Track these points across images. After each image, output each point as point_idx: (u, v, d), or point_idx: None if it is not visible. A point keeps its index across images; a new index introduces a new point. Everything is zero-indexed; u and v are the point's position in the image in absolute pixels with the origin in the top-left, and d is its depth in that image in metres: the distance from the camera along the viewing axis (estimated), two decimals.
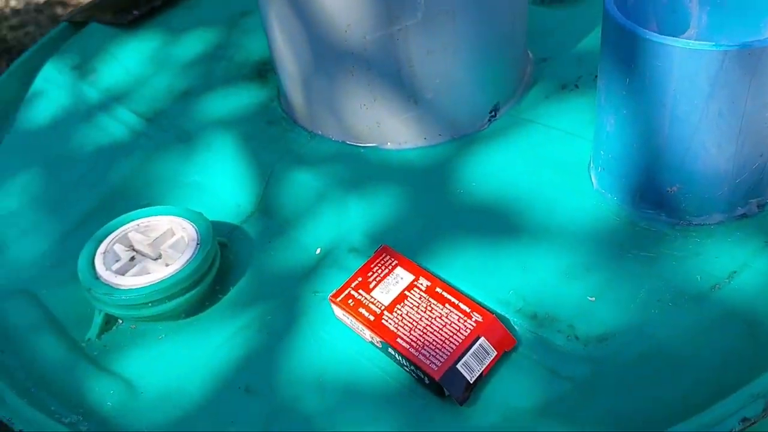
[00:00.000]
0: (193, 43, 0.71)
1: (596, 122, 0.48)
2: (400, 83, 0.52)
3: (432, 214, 0.49)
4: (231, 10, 0.76)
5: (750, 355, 0.39)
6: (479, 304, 0.40)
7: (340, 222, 0.51)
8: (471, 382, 0.37)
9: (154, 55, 0.69)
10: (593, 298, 0.41)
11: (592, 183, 0.49)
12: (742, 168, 0.42)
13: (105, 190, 0.57)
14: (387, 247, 0.44)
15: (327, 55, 0.52)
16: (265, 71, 0.66)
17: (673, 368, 0.38)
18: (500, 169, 0.52)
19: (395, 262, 0.43)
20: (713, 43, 0.37)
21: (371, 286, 0.42)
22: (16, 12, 2.34)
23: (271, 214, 0.54)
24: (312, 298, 0.45)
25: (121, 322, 0.48)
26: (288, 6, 0.50)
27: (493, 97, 0.56)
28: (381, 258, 0.43)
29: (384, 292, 0.41)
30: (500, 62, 0.55)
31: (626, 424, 0.36)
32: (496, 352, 0.38)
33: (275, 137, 0.59)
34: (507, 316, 0.40)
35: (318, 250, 0.50)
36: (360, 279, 0.42)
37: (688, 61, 0.38)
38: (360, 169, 0.54)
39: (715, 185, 0.42)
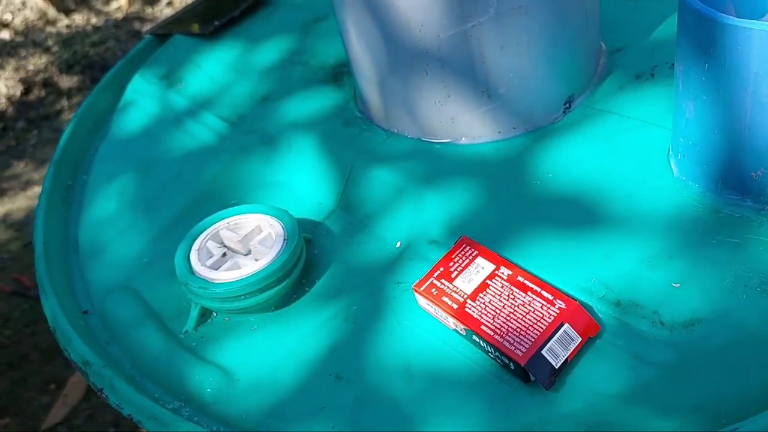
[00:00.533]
0: (271, 50, 0.74)
1: (675, 109, 0.47)
2: (473, 79, 0.53)
3: (509, 206, 0.50)
4: (305, 17, 0.78)
5: None
6: (562, 291, 0.41)
7: (419, 216, 0.52)
8: (556, 367, 0.38)
9: (235, 63, 0.73)
10: (677, 285, 0.41)
11: (673, 171, 0.49)
12: None
13: (195, 192, 0.61)
14: (467, 238, 0.45)
15: (402, 55, 0.53)
16: (340, 74, 0.69)
17: (760, 355, 0.37)
18: (576, 159, 0.52)
19: (476, 252, 0.44)
20: None
21: (453, 275, 0.43)
22: (96, 29, 2.46)
23: (352, 211, 0.56)
24: (395, 288, 0.47)
25: (215, 314, 0.51)
26: (364, 11, 0.52)
27: (566, 89, 0.56)
28: (462, 248, 0.44)
29: (466, 281, 0.42)
30: (573, 54, 0.55)
31: (712, 410, 0.36)
32: (580, 339, 0.39)
33: (353, 137, 0.61)
34: (590, 303, 0.41)
35: (398, 244, 0.52)
36: (442, 269, 0.44)
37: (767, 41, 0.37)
38: (436, 165, 0.56)
39: None
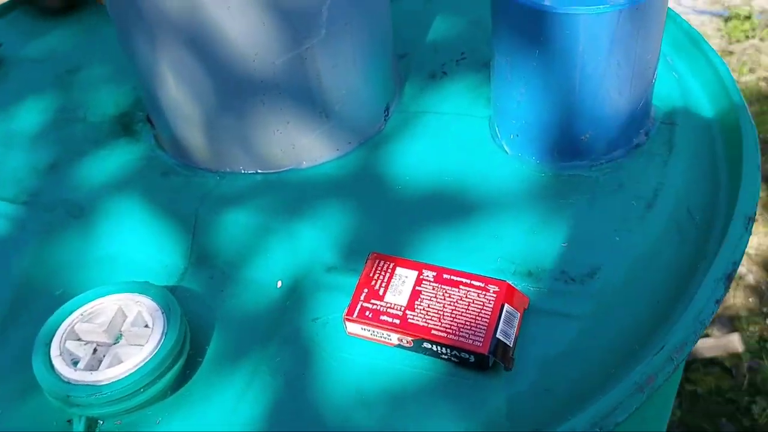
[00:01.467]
0: (32, 113, 0.64)
1: (498, 97, 0.53)
2: (311, 101, 0.53)
3: (385, 214, 0.51)
4: (55, 71, 0.69)
5: (686, 250, 0.47)
6: (486, 276, 0.43)
7: (295, 249, 0.50)
8: (511, 346, 0.40)
9: None
10: (566, 244, 0.46)
11: (506, 151, 0.55)
12: (636, 105, 0.50)
13: (9, 293, 0.50)
14: (376, 253, 0.45)
15: (235, 89, 0.51)
16: (129, 123, 0.62)
17: (648, 274, 0.45)
18: (420, 160, 0.55)
19: (392, 264, 0.44)
20: (610, 5, 0.44)
21: (381, 292, 0.43)
22: None
23: (208, 264, 0.52)
24: (313, 325, 0.45)
25: (102, 422, 0.43)
26: (186, 50, 0.48)
27: (384, 97, 0.59)
28: (377, 264, 0.44)
29: (396, 294, 0.43)
30: (386, 64, 0.58)
31: (640, 335, 0.42)
32: (519, 314, 0.42)
33: (180, 187, 0.56)
34: (508, 280, 0.44)
35: (279, 283, 0.49)
36: (366, 290, 0.43)
37: (592, 24, 0.44)
38: (286, 194, 0.54)
39: (619, 124, 0.50)
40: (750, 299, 1.76)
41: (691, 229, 0.49)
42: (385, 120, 0.60)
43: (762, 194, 1.96)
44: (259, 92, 0.51)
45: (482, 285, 0.42)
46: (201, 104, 0.52)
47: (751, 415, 1.52)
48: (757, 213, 1.93)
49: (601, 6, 0.44)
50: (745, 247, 0.46)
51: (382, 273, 0.44)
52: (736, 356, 1.59)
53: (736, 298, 1.76)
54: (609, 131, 0.51)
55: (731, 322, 1.70)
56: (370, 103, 0.57)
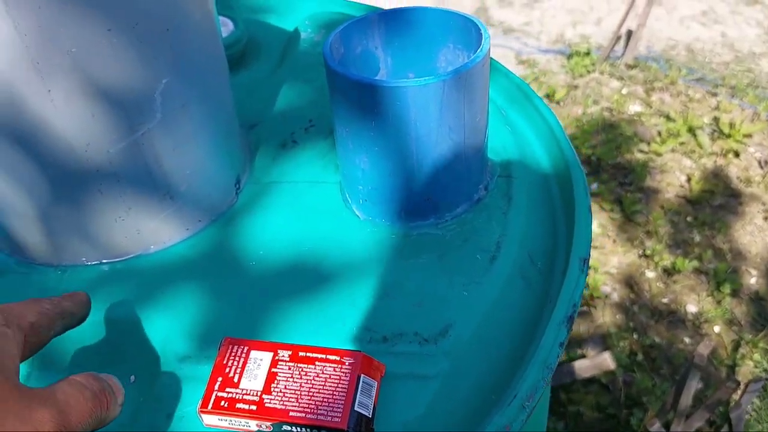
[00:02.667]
0: None
1: (345, 164, 0.54)
2: (152, 185, 0.52)
3: (239, 293, 0.50)
4: None
5: (532, 296, 0.50)
6: (342, 349, 0.43)
7: (145, 340, 0.48)
8: (370, 416, 0.41)
9: None
10: (418, 304, 0.48)
11: (358, 215, 0.56)
12: (471, 165, 0.53)
13: None
14: (230, 338, 0.44)
15: (68, 182, 0.49)
16: None
17: (497, 326, 0.47)
18: (276, 232, 0.55)
19: (246, 347, 0.43)
20: (434, 76, 0.46)
21: (236, 379, 0.42)
22: None
23: (54, 368, 0.49)
24: (168, 422, 0.43)
25: None
26: (11, 146, 0.46)
27: (233, 171, 0.59)
28: (230, 350, 0.43)
29: (252, 379, 0.42)
30: (232, 138, 0.58)
31: (497, 386, 0.44)
32: (376, 382, 0.42)
33: (17, 286, 0.53)
34: (364, 349, 0.45)
35: (132, 378, 0.47)
36: (221, 378, 0.42)
37: (420, 95, 0.47)
38: (135, 282, 0.52)
39: (458, 184, 0.53)
40: (617, 316, 1.87)
41: (535, 275, 0.52)
42: (236, 194, 0.59)
43: (617, 216, 2.12)
44: (96, 182, 0.49)
45: (338, 358, 0.42)
46: (33, 199, 0.50)
47: (631, 427, 1.61)
48: (614, 234, 2.06)
49: (427, 78, 0.46)
50: (582, 287, 0.49)
51: (236, 358, 0.43)
52: (610, 373, 1.69)
53: (605, 317, 1.88)
54: (450, 190, 0.53)
55: (603, 340, 1.80)
56: (218, 179, 0.57)
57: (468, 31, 0.52)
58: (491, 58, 0.56)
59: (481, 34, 0.50)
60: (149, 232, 0.54)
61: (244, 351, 0.43)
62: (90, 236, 0.52)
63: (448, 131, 0.49)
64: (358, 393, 0.41)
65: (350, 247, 0.53)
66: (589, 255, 0.52)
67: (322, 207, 0.57)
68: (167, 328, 0.48)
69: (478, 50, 0.48)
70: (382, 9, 0.56)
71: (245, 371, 0.42)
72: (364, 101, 0.48)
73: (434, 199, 0.53)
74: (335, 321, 0.47)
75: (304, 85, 0.72)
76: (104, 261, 0.54)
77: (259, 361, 0.43)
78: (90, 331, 0.49)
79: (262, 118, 0.68)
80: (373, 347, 0.45)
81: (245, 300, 0.50)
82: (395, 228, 0.54)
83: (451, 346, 0.45)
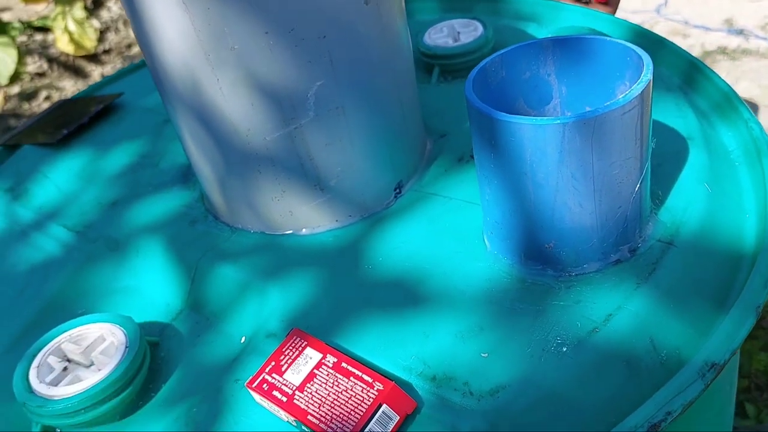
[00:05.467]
0: (121, 155, 0.75)
1: (480, 193, 0.52)
2: (303, 175, 0.56)
3: (343, 293, 0.53)
4: (155, 120, 0.80)
5: (632, 391, 0.42)
6: (383, 373, 0.43)
7: (261, 310, 0.54)
8: None
9: (83, 170, 0.73)
10: (486, 355, 0.44)
11: (486, 246, 0.53)
12: (605, 221, 0.46)
13: (41, 305, 0.60)
14: (298, 330, 0.47)
15: (235, 158, 0.56)
16: (188, 174, 0.71)
17: (561, 413, 0.41)
18: (404, 242, 0.56)
19: (305, 343, 0.46)
20: (554, 118, 0.42)
21: (283, 368, 0.45)
22: None
23: (199, 309, 0.57)
24: (233, 386, 0.48)
25: (59, 430, 0.50)
26: (195, 119, 0.55)
27: (394, 175, 0.61)
28: (292, 341, 0.46)
29: (295, 373, 0.44)
30: (395, 144, 0.60)
31: None
32: (398, 417, 0.41)
33: (199, 235, 0.62)
34: (409, 380, 0.44)
35: (243, 339, 0.53)
36: (273, 363, 0.45)
37: (536, 135, 0.43)
38: (278, 257, 0.58)
39: (585, 238, 0.47)
40: None
41: (651, 364, 0.44)
42: (395, 197, 0.61)
43: None
44: (255, 163, 0.56)
45: (370, 380, 0.42)
46: (213, 167, 0.58)
47: None
48: None
49: (545, 118, 0.42)
50: (697, 395, 0.41)
51: (293, 350, 0.46)
52: None
53: None
54: (575, 243, 0.47)
55: None
56: (373, 180, 0.59)
57: (639, 69, 0.46)
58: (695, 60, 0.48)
59: (649, 78, 0.44)
60: (301, 215, 0.59)
61: (302, 345, 0.46)
62: (253, 208, 0.60)
63: (569, 179, 0.44)
64: (372, 421, 0.40)
65: (461, 276, 0.51)
66: (724, 362, 0.42)
67: (463, 228, 0.56)
68: (275, 304, 0.53)
69: (618, 96, 0.42)
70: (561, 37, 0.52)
71: (294, 364, 0.45)
72: (485, 131, 0.46)
73: (556, 248, 0.48)
74: (399, 345, 0.47)
75: None
76: (265, 232, 0.61)
77: (309, 358, 0.45)
78: (227, 288, 0.57)
79: (453, 129, 0.68)
80: (418, 382, 0.44)
81: (344, 299, 0.52)
82: (514, 269, 0.51)
83: (494, 409, 0.42)
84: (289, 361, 0.45)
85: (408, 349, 0.46)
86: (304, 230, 0.60)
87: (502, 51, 0.51)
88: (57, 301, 0.60)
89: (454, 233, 0.56)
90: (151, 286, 0.60)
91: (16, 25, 2.43)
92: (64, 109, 0.86)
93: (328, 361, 0.44)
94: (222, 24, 0.48)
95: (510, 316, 0.47)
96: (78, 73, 2.63)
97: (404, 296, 0.51)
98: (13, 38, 2.38)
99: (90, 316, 0.55)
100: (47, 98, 2.51)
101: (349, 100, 0.54)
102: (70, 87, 2.55)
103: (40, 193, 0.72)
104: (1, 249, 0.66)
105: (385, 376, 0.43)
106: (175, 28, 0.49)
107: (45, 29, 2.69)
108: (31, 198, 0.71)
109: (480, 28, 0.80)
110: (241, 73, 0.51)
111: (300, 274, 0.56)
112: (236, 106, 0.53)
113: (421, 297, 0.50)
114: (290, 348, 0.46)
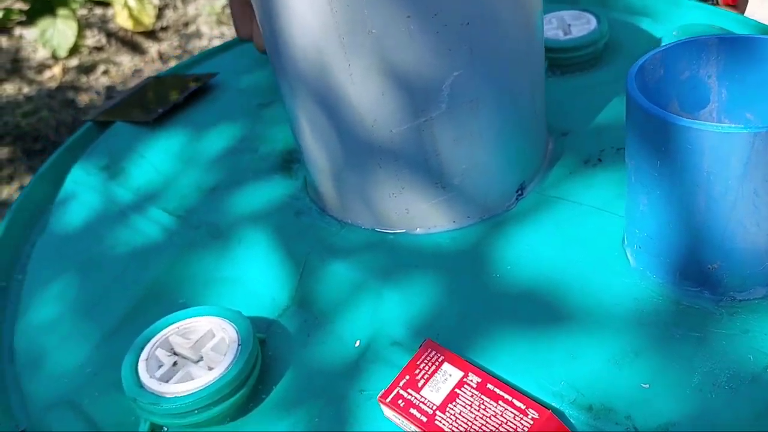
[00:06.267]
0: (217, 138, 0.72)
1: (628, 200, 0.48)
2: (427, 171, 0.53)
3: (470, 301, 0.49)
4: (250, 103, 0.77)
5: None
6: (533, 398, 0.40)
7: (378, 313, 0.51)
8: None
9: (180, 151, 0.71)
10: (647, 385, 0.40)
11: (629, 261, 0.49)
12: None
13: (140, 291, 0.58)
14: (431, 342, 0.44)
15: (355, 149, 0.53)
16: (290, 161, 0.68)
17: None
18: (533, 249, 0.52)
19: (442, 357, 0.42)
20: (743, 126, 0.37)
21: (420, 384, 0.41)
22: (28, 99, 2.41)
23: (307, 307, 0.54)
24: (358, 396, 0.45)
25: (166, 429, 0.48)
26: (316, 106, 0.52)
27: (518, 176, 0.57)
28: (427, 354, 0.43)
29: (434, 391, 0.41)
30: (524, 142, 0.56)
31: None
32: None
33: (306, 228, 0.59)
34: (562, 409, 0.40)
35: (357, 343, 0.50)
36: (407, 377, 0.42)
37: (719, 144, 0.38)
38: (392, 256, 0.55)
39: (756, 261, 0.42)
40: None
41: None
42: (516, 199, 0.57)
43: None
44: (377, 156, 0.52)
45: (522, 407, 0.39)
46: (330, 158, 0.55)
47: None
48: None
49: (734, 125, 0.38)
50: None
51: (430, 364, 0.42)
52: None
53: None
54: (744, 266, 0.43)
55: None
56: (498, 180, 0.55)
57: None
58: None
59: None
60: (417, 213, 0.55)
61: (439, 359, 0.42)
62: (367, 203, 0.56)
63: (752, 195, 0.39)
64: None
65: (605, 293, 0.47)
66: None
67: (597, 239, 0.52)
68: (396, 308, 0.50)
69: None
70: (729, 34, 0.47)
71: (431, 380, 0.41)
72: (652, 135, 0.41)
73: (721, 269, 0.43)
74: (545, 366, 0.43)
75: None
76: (376, 228, 0.57)
77: (448, 375, 0.41)
78: (339, 286, 0.53)
79: (577, 126, 0.64)
80: (572, 412, 0.40)
81: (473, 308, 0.48)
82: (665, 288, 0.46)
83: None
84: (426, 377, 0.42)
85: (554, 371, 0.42)
86: (418, 229, 0.56)
87: (664, 47, 0.46)
88: (156, 288, 0.58)
89: (587, 243, 0.52)
90: (254, 278, 0.57)
91: None
92: (155, 86, 0.83)
93: (471, 381, 0.41)
94: (362, 5, 0.45)
95: (667, 341, 0.43)
96: (135, 48, 2.65)
97: (542, 310, 0.47)
98: (73, 11, 2.39)
99: (199, 309, 0.52)
100: (105, 72, 2.53)
101: (484, 93, 0.50)
102: (127, 62, 2.56)
103: (138, 174, 0.69)
104: (99, 229, 0.64)
105: (537, 402, 0.39)
106: (309, 8, 0.46)
107: (105, 3, 2.71)
108: (128, 178, 0.69)
109: (593, 22, 0.74)
110: (375, 60, 0.47)
111: (419, 276, 0.52)
112: (365, 94, 0.49)
113: (562, 312, 0.46)
114: (426, 362, 0.43)
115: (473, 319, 0.47)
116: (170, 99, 0.77)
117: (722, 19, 0.77)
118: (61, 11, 2.35)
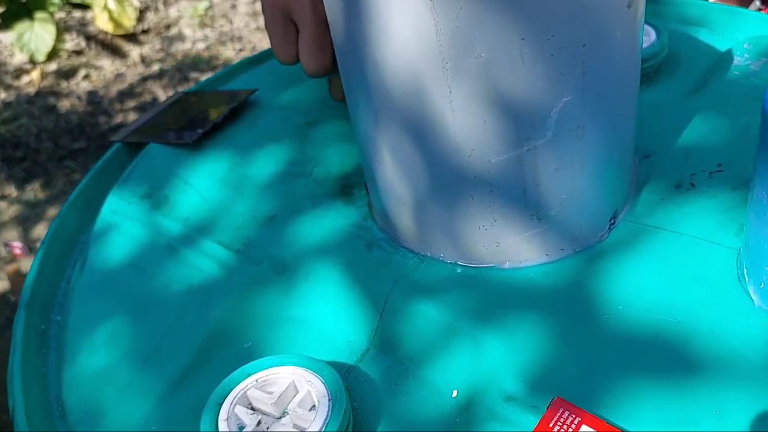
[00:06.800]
0: (265, 161, 0.67)
1: (753, 232, 0.44)
2: (523, 203, 0.49)
3: (588, 348, 0.45)
4: (295, 121, 0.73)
5: None
6: None
7: (479, 360, 0.46)
8: None
9: (226, 176, 0.66)
10: None
11: (752, 299, 0.45)
12: None
13: (202, 336, 0.53)
14: (561, 400, 0.39)
15: (446, 181, 0.48)
16: (348, 186, 0.63)
17: None
18: (641, 286, 0.48)
19: (578, 419, 0.38)
20: None
21: None
22: (7, 105, 2.34)
23: (390, 351, 0.50)
24: None
25: None
26: (404, 135, 0.47)
27: (612, 204, 0.53)
28: (560, 414, 0.39)
29: None
30: (621, 169, 0.52)
31: None
32: None
33: (380, 262, 0.55)
34: None
35: (454, 393, 0.46)
36: None
37: None
38: (483, 294, 0.50)
39: None
40: None
41: None
42: (609, 229, 0.53)
43: None
44: (470, 187, 0.48)
45: None
46: (412, 188, 0.51)
47: None
48: None
49: None
50: None
51: (564, 426, 0.38)
52: None
53: None
54: None
55: None
56: (593, 209, 0.51)
57: None
58: None
59: None
60: (508, 247, 0.51)
61: (575, 422, 0.38)
62: (453, 236, 0.52)
63: None
64: None
65: (734, 337, 0.43)
66: None
67: (709, 275, 0.48)
68: (501, 356, 0.46)
69: None
70: None
71: None
72: None
73: None
74: (690, 424, 0.39)
75: (722, 120, 0.61)
76: (459, 262, 0.53)
77: None
78: (428, 329, 0.49)
79: (660, 148, 0.60)
80: None
81: (589, 355, 0.44)
82: None
83: None
84: None
85: (702, 429, 0.38)
86: (507, 264, 0.52)
87: None
88: (220, 332, 0.53)
89: (700, 278, 0.48)
90: (326, 318, 0.53)
91: (55, 0, 2.37)
92: (186, 103, 0.78)
93: None
94: (472, 28, 0.40)
95: None
96: (116, 52, 2.58)
97: (669, 359, 0.43)
98: (51, 14, 2.32)
99: (278, 358, 0.47)
100: (86, 77, 2.46)
101: (591, 119, 0.46)
102: (108, 66, 2.49)
103: (183, 202, 0.64)
104: (147, 265, 0.59)
105: None
106: (411, 29, 0.41)
107: (84, 6, 2.64)
108: (173, 207, 0.64)
109: (653, 34, 0.71)
110: (480, 87, 0.43)
111: (518, 318, 0.48)
112: (465, 122, 0.45)
113: (691, 362, 0.42)
114: (559, 423, 0.38)
115: (596, 370, 0.43)
116: (209, 118, 0.72)
117: None
118: (39, 14, 2.28)
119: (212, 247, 0.59)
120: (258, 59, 0.86)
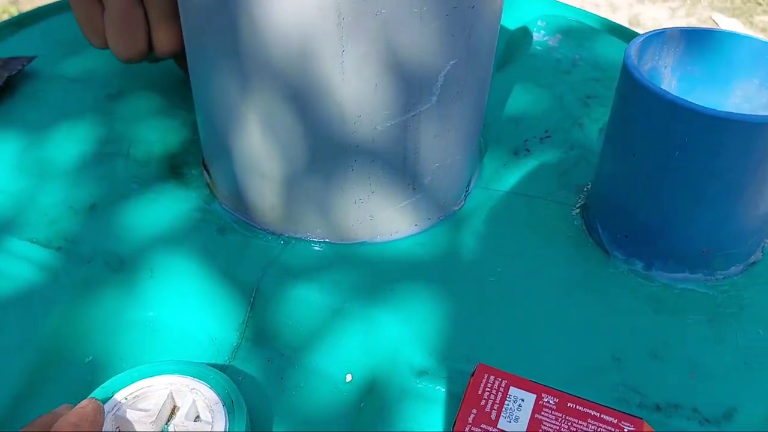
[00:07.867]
0: (67, 141, 0.56)
1: (611, 191, 0.48)
2: (402, 172, 0.47)
3: (478, 311, 0.45)
4: (94, 95, 0.62)
5: None
6: (616, 410, 0.37)
7: (374, 338, 0.44)
8: None
9: (22, 162, 0.54)
10: (694, 375, 0.41)
11: (606, 250, 0.49)
12: (765, 220, 0.45)
13: (31, 356, 0.42)
14: (484, 365, 0.39)
15: (327, 151, 0.45)
16: (177, 166, 0.56)
17: None
18: (510, 247, 0.50)
19: (504, 381, 0.38)
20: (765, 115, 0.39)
21: (493, 416, 0.36)
22: None
23: (266, 343, 0.45)
24: None
25: None
26: (282, 101, 0.42)
27: (469, 170, 0.54)
28: (486, 380, 0.38)
29: (512, 420, 0.36)
30: (478, 135, 0.53)
31: None
32: None
33: (238, 247, 0.49)
34: (640, 415, 0.39)
35: (348, 377, 0.43)
36: (475, 411, 0.37)
37: (743, 131, 0.40)
38: (364, 271, 0.48)
39: (744, 239, 0.46)
40: None
41: None
42: (465, 196, 0.54)
43: None
44: (351, 158, 0.45)
45: (614, 421, 0.36)
46: (286, 162, 0.46)
47: None
48: None
49: (755, 115, 0.39)
50: None
51: (494, 392, 0.38)
52: None
53: None
54: (733, 246, 0.46)
55: None
56: (458, 176, 0.52)
57: None
58: None
59: None
60: (382, 220, 0.49)
61: (503, 385, 0.38)
62: (325, 212, 0.48)
63: (761, 181, 0.42)
64: None
65: (602, 287, 0.47)
66: None
67: (562, 231, 0.51)
68: (398, 331, 0.44)
69: (737, 95, 0.41)
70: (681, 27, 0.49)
71: (504, 409, 0.37)
72: (670, 125, 0.41)
73: (712, 251, 0.46)
74: (595, 372, 0.41)
75: (541, 91, 0.66)
76: (328, 240, 0.50)
77: (520, 401, 0.37)
78: (308, 314, 0.45)
79: (492, 118, 0.62)
80: (644, 414, 0.39)
81: (483, 318, 0.44)
82: (653, 274, 0.47)
83: None
84: (496, 407, 0.37)
85: (608, 377, 0.41)
86: (379, 237, 0.50)
87: (640, 39, 0.47)
88: (54, 347, 0.43)
89: (557, 236, 0.51)
90: (181, 316, 0.46)
91: None
92: None
93: (548, 402, 0.37)
94: None
95: (685, 329, 0.44)
96: None
97: (556, 315, 0.45)
98: None
99: (144, 368, 0.40)
100: None
101: (467, 83, 0.46)
102: None
103: None
104: None
105: (625, 414, 0.37)
106: None
107: None
108: None
109: None
110: (376, 47, 0.40)
111: (407, 290, 0.46)
112: (355, 87, 0.41)
113: (576, 315, 0.45)
114: (488, 390, 0.38)
115: (491, 330, 0.43)
116: None
117: (568, 11, 0.81)
118: None
119: (24, 247, 0.47)
120: (31, 17, 0.72)
